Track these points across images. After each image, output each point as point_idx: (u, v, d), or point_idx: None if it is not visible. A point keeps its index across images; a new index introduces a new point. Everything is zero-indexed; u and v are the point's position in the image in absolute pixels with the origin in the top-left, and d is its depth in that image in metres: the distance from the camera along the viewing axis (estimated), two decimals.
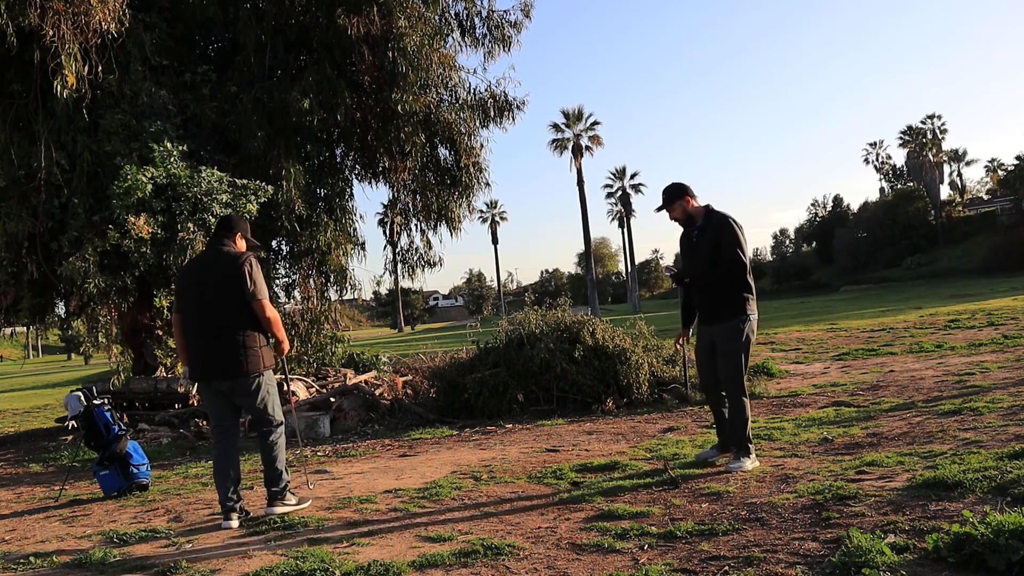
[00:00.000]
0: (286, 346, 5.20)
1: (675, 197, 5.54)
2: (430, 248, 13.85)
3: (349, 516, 4.83)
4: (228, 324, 4.85)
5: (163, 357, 12.58)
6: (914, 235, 63.32)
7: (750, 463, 5.20)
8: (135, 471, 6.17)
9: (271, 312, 4.92)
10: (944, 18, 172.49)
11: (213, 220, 9.50)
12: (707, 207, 5.54)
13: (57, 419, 11.41)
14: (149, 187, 9.22)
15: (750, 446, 5.33)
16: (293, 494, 5.10)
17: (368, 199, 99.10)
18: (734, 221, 5.38)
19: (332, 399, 9.91)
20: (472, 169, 12.80)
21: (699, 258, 5.44)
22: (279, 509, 4.93)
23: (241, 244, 5.12)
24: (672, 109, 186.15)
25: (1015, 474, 3.97)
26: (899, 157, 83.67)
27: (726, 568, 3.28)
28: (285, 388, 10.50)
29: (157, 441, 9.16)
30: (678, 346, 6.23)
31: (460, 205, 13.26)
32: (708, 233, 5.39)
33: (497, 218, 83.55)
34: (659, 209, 5.59)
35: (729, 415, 5.40)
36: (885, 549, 3.10)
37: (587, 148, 54.75)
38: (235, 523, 4.76)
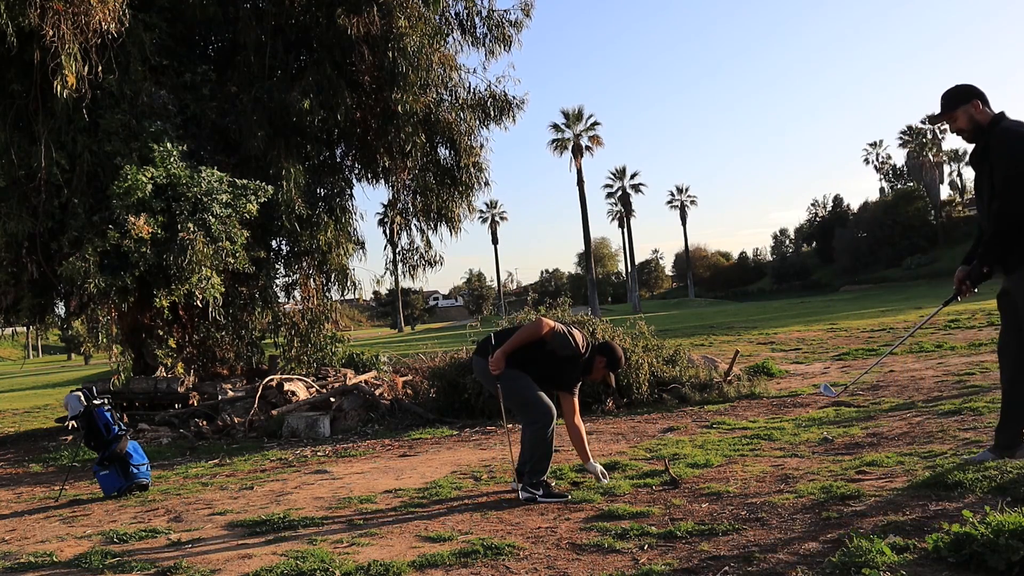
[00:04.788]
0: (495, 358, 4.87)
1: (958, 101, 4.27)
2: (430, 248, 13.89)
3: (349, 516, 4.83)
4: None
5: (163, 357, 12.59)
6: (914, 235, 63.35)
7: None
8: (135, 471, 6.17)
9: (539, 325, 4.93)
10: (944, 19, 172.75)
11: (213, 220, 9.50)
12: (995, 117, 4.26)
13: (57, 419, 11.42)
14: (149, 187, 9.22)
15: (1015, 450, 4.31)
16: (539, 487, 4.89)
17: (368, 199, 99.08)
18: (1017, 131, 4.12)
19: (332, 399, 9.91)
20: (472, 169, 12.82)
21: (984, 187, 4.24)
22: (523, 495, 4.89)
23: None
24: (672, 109, 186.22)
25: (1015, 474, 3.97)
26: (899, 157, 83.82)
27: (726, 568, 3.28)
28: (285, 388, 10.54)
29: (157, 441, 9.16)
30: (964, 287, 4.78)
31: (460, 205, 13.28)
32: (987, 155, 4.23)
33: (497, 218, 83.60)
34: (935, 119, 4.37)
35: (1004, 397, 4.29)
36: (885, 549, 3.09)
37: (587, 148, 54.80)
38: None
